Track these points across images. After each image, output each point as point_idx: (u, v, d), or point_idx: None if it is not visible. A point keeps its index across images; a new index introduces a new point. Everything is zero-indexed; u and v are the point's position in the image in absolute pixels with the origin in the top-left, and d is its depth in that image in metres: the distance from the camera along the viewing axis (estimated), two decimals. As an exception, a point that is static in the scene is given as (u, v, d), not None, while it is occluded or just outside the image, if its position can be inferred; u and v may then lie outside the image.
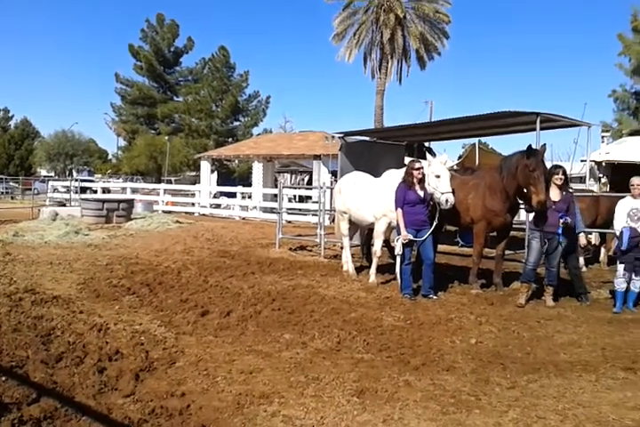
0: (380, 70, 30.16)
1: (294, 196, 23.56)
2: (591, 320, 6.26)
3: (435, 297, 7.12)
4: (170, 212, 21.77)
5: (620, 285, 6.78)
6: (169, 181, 34.69)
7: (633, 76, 23.58)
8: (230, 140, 40.85)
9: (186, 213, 22.28)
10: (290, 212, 17.70)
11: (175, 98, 46.43)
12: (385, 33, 29.16)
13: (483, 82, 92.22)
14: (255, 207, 21.26)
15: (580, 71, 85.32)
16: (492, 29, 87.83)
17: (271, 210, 18.79)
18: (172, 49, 45.92)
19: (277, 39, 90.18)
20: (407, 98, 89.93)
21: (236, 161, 37.10)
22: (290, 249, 11.43)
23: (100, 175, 50.04)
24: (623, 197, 7.11)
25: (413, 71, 31.20)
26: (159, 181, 34.59)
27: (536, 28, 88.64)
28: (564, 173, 6.95)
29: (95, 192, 26.07)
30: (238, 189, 22.80)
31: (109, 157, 61.69)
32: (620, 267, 6.81)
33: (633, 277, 6.75)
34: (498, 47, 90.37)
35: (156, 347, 4.87)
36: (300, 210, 19.42)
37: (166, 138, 40.97)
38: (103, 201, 16.07)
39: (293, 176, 31.54)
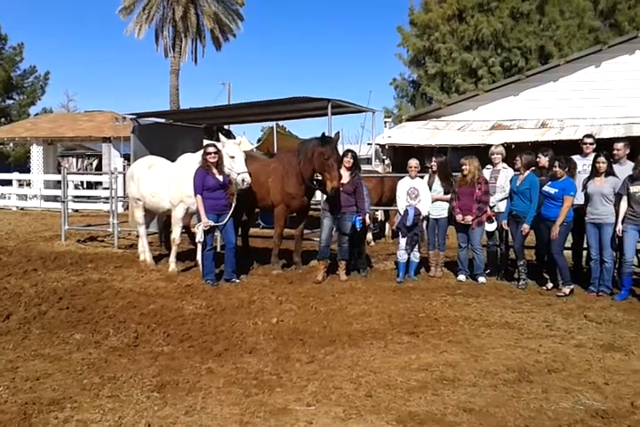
0: (173, 49, 29.13)
1: (82, 182, 21.84)
2: (379, 291, 6.81)
3: (237, 281, 7.15)
4: None
5: (402, 256, 7.50)
6: None
7: (410, 66, 26.10)
8: (3, 120, 36.13)
9: (-51, 205, 19.33)
10: (77, 200, 16.36)
11: None
12: (177, 10, 28.17)
13: (279, 66, 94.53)
14: (35, 196, 19.21)
15: (365, 60, 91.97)
16: (284, 17, 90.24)
17: (55, 198, 17.10)
18: None
19: (57, 8, 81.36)
20: (205, 79, 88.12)
21: (11, 144, 32.89)
22: (78, 241, 10.67)
23: None
24: (404, 177, 7.82)
25: (209, 52, 30.85)
26: None
27: (325, 19, 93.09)
28: (353, 157, 7.40)
29: None
30: (14, 176, 20.41)
31: None
32: (402, 240, 7.52)
33: (414, 249, 7.50)
34: (291, 35, 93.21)
35: None
36: (88, 197, 18.04)
37: None
38: None
39: (80, 160, 29.11)
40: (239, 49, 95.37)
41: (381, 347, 4.73)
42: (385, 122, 16.99)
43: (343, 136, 22.50)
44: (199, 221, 7.09)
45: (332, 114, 9.97)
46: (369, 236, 9.96)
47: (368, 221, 7.81)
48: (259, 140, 23.19)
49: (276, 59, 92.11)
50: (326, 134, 7.58)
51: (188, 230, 8.30)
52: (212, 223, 6.98)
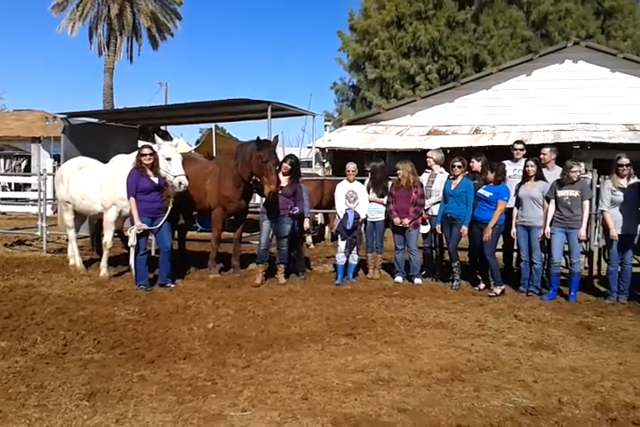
0: (108, 47, 28.37)
1: (9, 183, 20.85)
2: (317, 293, 6.81)
3: (172, 285, 6.98)
4: None
5: (340, 259, 7.54)
6: None
7: (350, 70, 26.42)
8: None
9: None
10: (4, 202, 15.58)
11: None
12: (113, 8, 27.47)
13: (218, 67, 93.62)
14: (-40, 198, 18.11)
15: (306, 63, 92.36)
16: (224, 17, 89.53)
17: (-19, 201, 16.20)
18: None
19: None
20: (141, 78, 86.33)
21: None
22: (5, 245, 10.21)
23: None
24: (343, 180, 7.86)
25: (146, 51, 30.30)
26: None
27: (267, 21, 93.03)
28: (292, 163, 7.36)
29: None
30: (-63, 178, 19.17)
31: None
32: (342, 243, 7.56)
33: (352, 251, 7.56)
34: (231, 35, 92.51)
35: None
36: (16, 200, 17.19)
37: None
38: None
39: (8, 161, 27.80)
40: (177, 48, 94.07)
41: (319, 349, 4.73)
42: (325, 125, 17.11)
43: (284, 139, 22.49)
44: (132, 224, 6.89)
45: (273, 117, 9.94)
46: (308, 239, 9.96)
47: (308, 225, 7.83)
48: (197, 142, 22.79)
49: (215, 59, 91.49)
50: (265, 137, 7.52)
51: (120, 234, 8.04)
52: (145, 227, 6.79)
